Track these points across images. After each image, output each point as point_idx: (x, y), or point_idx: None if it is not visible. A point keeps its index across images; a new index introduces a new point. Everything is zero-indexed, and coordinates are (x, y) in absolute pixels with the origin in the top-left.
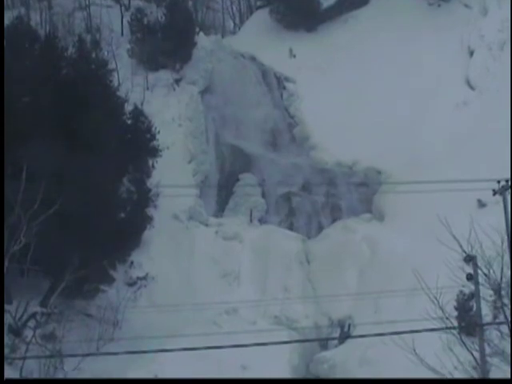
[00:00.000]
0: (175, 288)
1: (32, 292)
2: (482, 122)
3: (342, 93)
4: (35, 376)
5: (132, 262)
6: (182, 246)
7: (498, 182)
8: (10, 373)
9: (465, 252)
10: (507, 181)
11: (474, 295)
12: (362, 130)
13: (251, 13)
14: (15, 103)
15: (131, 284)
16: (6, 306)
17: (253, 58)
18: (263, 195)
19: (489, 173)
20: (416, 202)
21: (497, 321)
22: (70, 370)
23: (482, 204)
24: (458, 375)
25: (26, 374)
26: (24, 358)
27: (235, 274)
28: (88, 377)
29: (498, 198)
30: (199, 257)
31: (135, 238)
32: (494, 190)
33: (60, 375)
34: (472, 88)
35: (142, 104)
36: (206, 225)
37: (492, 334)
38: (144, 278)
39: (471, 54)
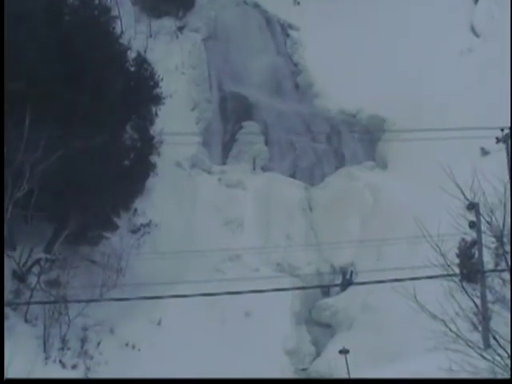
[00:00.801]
0: (178, 235)
1: (36, 238)
2: (487, 69)
3: (345, 40)
4: (39, 321)
5: (135, 210)
6: (185, 194)
7: (502, 129)
8: (14, 320)
9: (467, 200)
10: (511, 128)
11: (476, 242)
12: (365, 78)
13: None
14: (17, 50)
15: (135, 231)
16: (10, 252)
17: (256, 5)
18: (266, 143)
19: (492, 120)
20: (419, 150)
21: (498, 268)
22: (73, 316)
23: (485, 152)
24: (459, 322)
25: (31, 319)
26: (28, 304)
27: (238, 222)
28: (91, 323)
29: (502, 145)
30: (202, 204)
31: (138, 185)
32: (497, 138)
33: (64, 321)
34: (476, 35)
35: (145, 51)
36: (209, 172)
37: (493, 280)
38: (147, 225)
39: (476, 0)
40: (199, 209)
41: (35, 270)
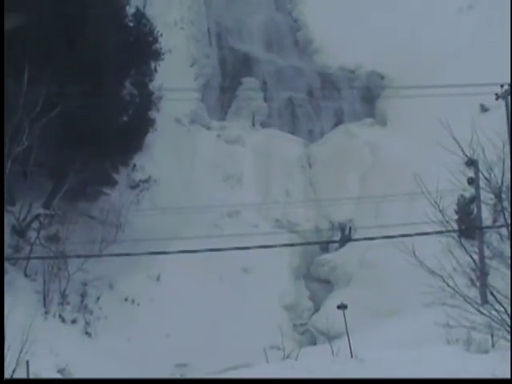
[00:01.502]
0: (177, 191)
1: (35, 194)
2: (486, 26)
3: None
4: (39, 276)
5: (134, 165)
6: (185, 150)
7: (501, 86)
8: (13, 275)
9: (466, 156)
10: (510, 85)
11: (475, 199)
12: (365, 35)
13: None
14: (16, 8)
15: (134, 187)
16: (9, 207)
17: None
18: (265, 99)
19: (492, 77)
20: (418, 107)
21: (496, 224)
22: (73, 271)
23: (484, 108)
24: (456, 277)
25: (30, 274)
26: (28, 259)
27: (237, 177)
28: (91, 278)
29: (501, 102)
30: (201, 160)
31: (138, 141)
32: (496, 95)
33: (64, 276)
34: None
35: (144, 7)
36: (208, 128)
37: (491, 236)
38: (146, 181)
39: None
40: (198, 165)
41: (35, 225)
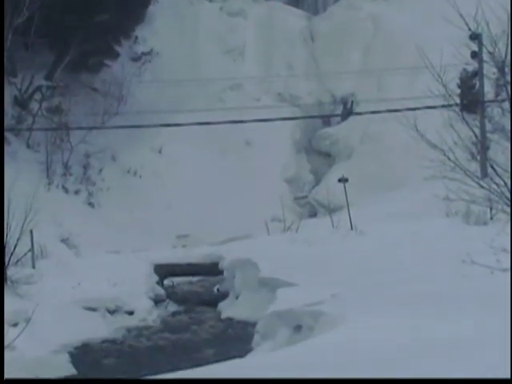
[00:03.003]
0: (179, 63)
1: (37, 65)
2: None
3: None
4: (42, 147)
5: (136, 37)
6: (187, 22)
7: None
8: (16, 146)
9: (470, 29)
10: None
11: (478, 73)
12: None
13: None
14: None
15: (136, 59)
16: (11, 79)
17: None
18: None
19: None
20: None
21: (499, 98)
22: (75, 143)
23: None
24: (457, 151)
25: (33, 145)
26: (30, 130)
27: (239, 50)
28: (93, 150)
29: None
30: (204, 32)
31: (139, 12)
32: None
33: (66, 147)
34: None
35: None
36: (211, 0)
37: (493, 110)
38: (148, 54)
39: None
40: (200, 37)
41: (37, 96)
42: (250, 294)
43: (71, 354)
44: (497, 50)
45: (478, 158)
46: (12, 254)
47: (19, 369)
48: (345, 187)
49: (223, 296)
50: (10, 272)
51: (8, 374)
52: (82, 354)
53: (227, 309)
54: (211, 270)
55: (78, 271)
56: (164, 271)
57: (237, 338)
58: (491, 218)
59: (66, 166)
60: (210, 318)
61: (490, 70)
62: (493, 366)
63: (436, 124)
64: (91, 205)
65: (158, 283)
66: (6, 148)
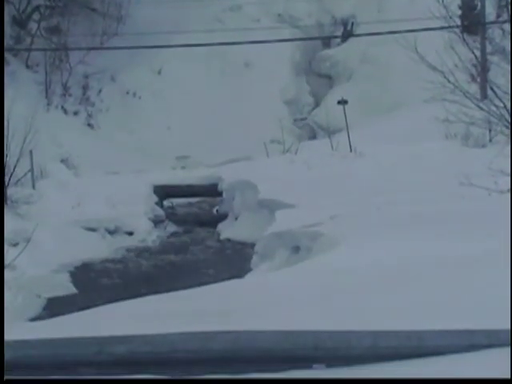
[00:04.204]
0: None
1: None
2: None
3: None
4: (41, 68)
5: None
6: None
7: None
8: (15, 66)
9: None
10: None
11: None
12: None
13: None
14: None
15: None
16: None
17: None
18: None
19: None
20: None
21: (500, 19)
22: (74, 63)
23: None
24: (457, 73)
25: (32, 66)
26: (29, 50)
27: None
28: (92, 71)
29: None
30: None
31: None
32: None
33: (65, 68)
34: None
35: None
36: None
37: (494, 32)
38: None
39: None
40: None
41: (35, 16)
42: (249, 215)
43: (71, 274)
44: None
45: (478, 79)
46: (12, 175)
47: (19, 287)
48: (344, 109)
49: (222, 217)
50: (10, 192)
51: (9, 293)
52: (82, 273)
53: (226, 230)
54: (210, 191)
55: (78, 192)
56: (163, 192)
57: (236, 259)
58: (490, 140)
59: (65, 87)
60: (209, 239)
61: None
62: (480, 287)
63: (437, 46)
64: (90, 126)
65: (157, 204)
66: (5, 68)
